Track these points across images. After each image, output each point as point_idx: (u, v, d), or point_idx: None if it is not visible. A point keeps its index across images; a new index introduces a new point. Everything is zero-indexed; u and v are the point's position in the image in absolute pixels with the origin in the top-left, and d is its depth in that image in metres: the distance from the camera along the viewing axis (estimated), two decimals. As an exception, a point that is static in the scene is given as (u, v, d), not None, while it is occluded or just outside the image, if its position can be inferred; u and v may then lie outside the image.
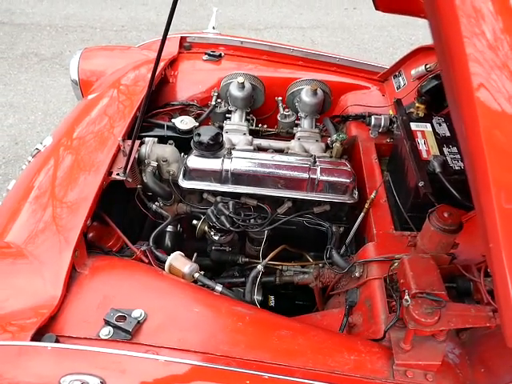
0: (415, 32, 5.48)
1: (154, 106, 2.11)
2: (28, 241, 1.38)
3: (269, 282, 1.71)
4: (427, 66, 2.10)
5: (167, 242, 1.72)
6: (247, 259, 1.78)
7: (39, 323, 1.07)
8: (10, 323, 1.09)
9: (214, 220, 1.56)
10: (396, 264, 1.34)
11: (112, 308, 1.14)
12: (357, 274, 1.48)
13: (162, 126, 1.89)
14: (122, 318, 1.12)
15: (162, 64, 2.19)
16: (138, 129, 1.34)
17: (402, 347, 1.16)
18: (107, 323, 1.12)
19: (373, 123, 1.98)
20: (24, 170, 1.75)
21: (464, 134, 0.59)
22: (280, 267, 1.74)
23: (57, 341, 1.07)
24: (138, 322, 1.12)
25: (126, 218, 1.81)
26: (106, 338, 1.09)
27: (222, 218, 1.55)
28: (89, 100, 2.04)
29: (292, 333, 1.19)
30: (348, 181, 1.66)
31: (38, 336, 1.06)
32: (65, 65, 4.65)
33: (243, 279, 1.72)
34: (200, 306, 1.23)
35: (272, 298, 1.78)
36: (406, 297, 1.14)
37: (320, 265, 1.70)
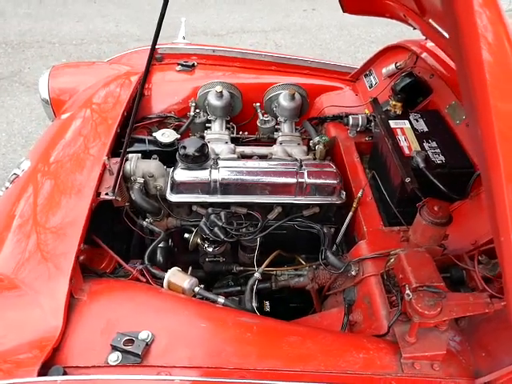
0: (374, 30, 5.63)
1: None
2: (17, 270, 1.33)
3: (265, 289, 1.72)
4: (397, 64, 2.17)
5: (159, 257, 1.70)
6: (242, 268, 1.77)
7: (44, 357, 1.04)
8: (13, 360, 1.05)
9: (208, 232, 1.55)
10: (392, 260, 1.37)
11: (118, 332, 1.11)
12: (353, 273, 1.51)
13: (142, 141, 1.86)
14: (130, 341, 1.10)
15: (136, 78, 2.17)
16: (126, 145, 1.32)
17: (408, 340, 1.19)
18: (114, 348, 1.09)
19: (351, 123, 2.02)
20: (2, 198, 1.68)
21: (479, 135, 0.62)
22: (274, 272, 1.75)
23: (64, 373, 1.03)
24: (147, 343, 1.10)
25: (112, 236, 1.77)
26: (116, 363, 1.06)
27: (216, 229, 1.55)
28: (62, 121, 1.98)
29: (300, 338, 1.20)
30: (335, 182, 1.70)
31: (44, 370, 1.02)
32: (25, 82, 4.50)
33: (239, 288, 1.72)
34: (206, 320, 1.22)
35: (267, 303, 1.78)
36: (408, 291, 1.17)
37: (314, 266, 1.72)
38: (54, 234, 1.44)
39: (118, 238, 1.85)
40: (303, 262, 1.80)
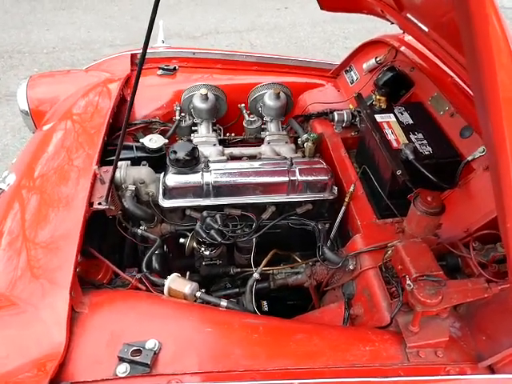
0: (347, 26, 5.70)
1: (116, 128, 2.05)
2: (12, 287, 1.29)
3: (263, 289, 1.72)
4: (377, 59, 2.20)
5: (155, 264, 1.68)
6: (239, 269, 1.77)
7: (50, 374, 1.01)
8: (19, 380, 1.02)
9: (204, 235, 1.54)
10: (390, 252, 1.40)
11: (124, 343, 1.10)
12: (351, 267, 1.52)
13: (130, 148, 1.84)
14: (137, 351, 1.08)
15: (115, 85, 2.13)
16: (119, 152, 1.30)
17: (411, 330, 1.21)
18: (122, 360, 1.08)
19: (336, 119, 2.04)
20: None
21: (489, 129, 0.64)
22: (271, 272, 1.76)
23: (73, 388, 1.01)
24: (154, 352, 1.09)
25: (104, 247, 1.74)
26: (125, 375, 1.04)
27: (212, 232, 1.54)
28: (44, 133, 1.93)
29: (307, 335, 1.20)
30: (326, 178, 1.71)
31: (51, 388, 1.00)
32: (-3, 94, 4.38)
33: (237, 290, 1.72)
34: (211, 324, 1.21)
35: (265, 302, 1.79)
36: (408, 282, 1.19)
37: (310, 263, 1.73)
38: (44, 248, 1.41)
39: (110, 248, 1.82)
40: (299, 260, 1.81)
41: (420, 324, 1.21)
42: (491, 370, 1.18)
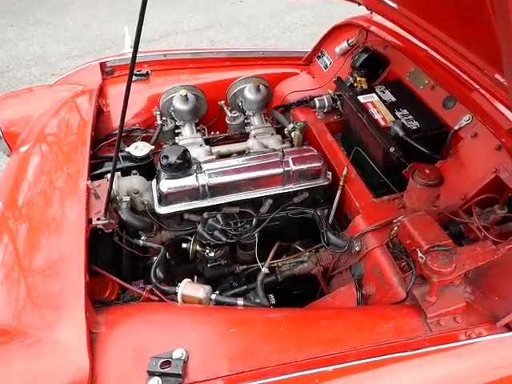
0: (304, 13, 5.74)
1: (96, 141, 1.98)
2: (17, 318, 1.24)
3: (271, 282, 1.72)
4: (349, 41, 2.22)
5: (159, 273, 1.64)
6: (244, 266, 1.76)
7: (80, 400, 0.98)
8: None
9: (208, 237, 1.52)
10: (396, 228, 1.42)
11: (151, 357, 1.07)
12: (357, 249, 1.54)
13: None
14: (166, 363, 1.06)
15: (87, 97, 2.07)
16: (115, 164, 1.27)
17: (429, 300, 1.24)
18: (152, 374, 1.05)
19: (318, 105, 2.05)
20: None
21: None
22: (276, 264, 1.75)
23: (107, 411, 0.98)
24: (184, 361, 1.06)
25: (99, 262, 1.69)
26: (158, 388, 1.02)
27: (216, 232, 1.52)
28: (21, 157, 1.86)
29: (330, 321, 1.21)
30: (319, 164, 1.72)
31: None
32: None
33: (245, 287, 1.70)
34: (234, 325, 1.19)
35: (271, 296, 1.78)
36: (420, 254, 1.21)
37: (313, 250, 1.74)
38: (42, 275, 1.36)
39: (107, 263, 1.77)
40: (301, 249, 1.81)
41: (436, 294, 1.23)
42: (508, 327, 1.21)
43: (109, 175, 1.61)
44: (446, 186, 1.49)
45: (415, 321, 1.23)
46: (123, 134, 2.04)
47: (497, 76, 1.36)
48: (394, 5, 1.83)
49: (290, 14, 5.75)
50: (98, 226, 1.38)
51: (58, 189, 1.62)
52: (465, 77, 1.60)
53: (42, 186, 1.65)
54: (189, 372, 1.07)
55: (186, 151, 1.60)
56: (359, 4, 2.10)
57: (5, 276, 1.38)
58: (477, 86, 1.55)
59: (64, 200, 1.55)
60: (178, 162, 1.57)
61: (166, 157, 1.57)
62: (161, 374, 1.05)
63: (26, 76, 4.77)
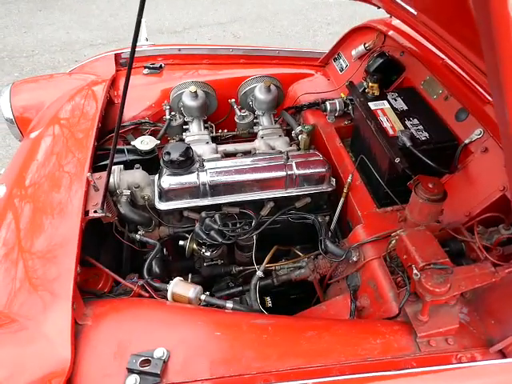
0: (329, 12, 5.66)
1: (105, 131, 2.00)
2: (10, 303, 1.25)
3: (267, 286, 1.70)
4: (366, 45, 2.17)
5: (155, 269, 1.64)
6: (241, 267, 1.75)
7: (58, 392, 0.98)
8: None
9: (204, 237, 1.52)
10: (394, 241, 1.38)
11: (132, 354, 1.07)
12: (354, 259, 1.51)
13: (121, 151, 1.80)
14: (146, 361, 1.05)
15: (100, 87, 2.08)
16: (112, 158, 1.27)
17: (421, 319, 1.20)
18: (131, 371, 1.05)
19: (329, 109, 2.02)
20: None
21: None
22: (273, 268, 1.74)
23: (83, 405, 0.98)
24: (164, 361, 1.06)
25: (102, 253, 1.71)
26: (135, 387, 1.02)
27: (212, 232, 1.51)
28: (31, 141, 1.88)
29: (317, 332, 1.19)
30: (324, 170, 1.69)
31: (60, 406, 0.97)
32: (-22, 101, 4.26)
33: (240, 288, 1.70)
34: (219, 328, 1.19)
35: (268, 299, 1.77)
36: (415, 271, 1.18)
37: (312, 257, 1.72)
38: (42, 258, 1.38)
39: (108, 256, 1.78)
40: (300, 254, 1.79)
41: (429, 313, 1.20)
42: (502, 354, 1.17)
43: (112, 167, 1.62)
44: (451, 201, 1.45)
45: (405, 339, 1.19)
46: (132, 127, 2.06)
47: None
48: (413, 11, 1.78)
49: (314, 11, 5.68)
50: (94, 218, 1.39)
51: (67, 173, 1.61)
52: (480, 89, 1.55)
53: (51, 169, 1.66)
54: (168, 372, 1.06)
55: (188, 149, 1.59)
56: (378, 7, 2.05)
57: (4, 255, 1.39)
58: (490, 99, 1.49)
59: (71, 184, 1.55)
60: (181, 159, 1.57)
61: (169, 153, 1.56)
62: (140, 372, 1.05)
63: (49, 61, 4.85)
